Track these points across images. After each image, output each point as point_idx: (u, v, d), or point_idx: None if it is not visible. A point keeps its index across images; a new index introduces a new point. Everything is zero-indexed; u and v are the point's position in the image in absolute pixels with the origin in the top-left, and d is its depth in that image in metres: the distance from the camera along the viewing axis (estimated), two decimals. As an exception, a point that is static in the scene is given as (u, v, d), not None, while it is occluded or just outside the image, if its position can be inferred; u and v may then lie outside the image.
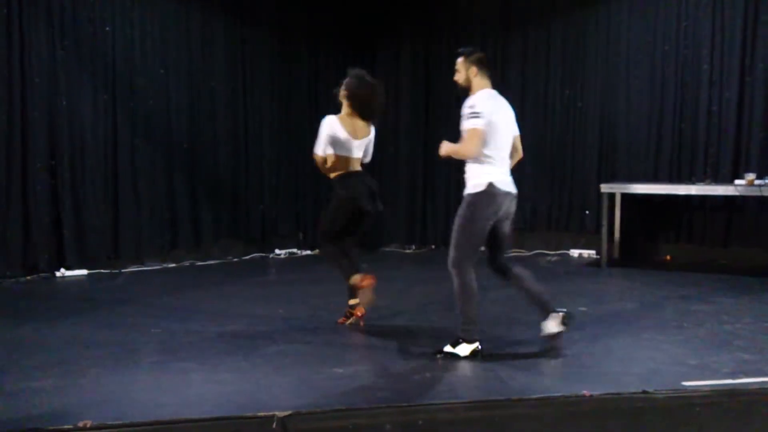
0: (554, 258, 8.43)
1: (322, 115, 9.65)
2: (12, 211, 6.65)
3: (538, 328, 4.88)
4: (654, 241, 8.16)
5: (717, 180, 7.46)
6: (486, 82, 4.32)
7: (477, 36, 9.10)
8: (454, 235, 4.23)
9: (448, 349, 4.17)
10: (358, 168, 5.04)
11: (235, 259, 8.34)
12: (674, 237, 8.03)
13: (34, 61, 6.74)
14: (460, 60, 4.33)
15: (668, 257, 7.98)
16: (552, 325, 4.24)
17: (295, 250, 8.87)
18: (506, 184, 4.25)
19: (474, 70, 4.28)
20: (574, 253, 8.50)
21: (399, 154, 9.48)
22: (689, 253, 7.86)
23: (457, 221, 4.22)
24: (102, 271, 7.22)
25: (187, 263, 7.91)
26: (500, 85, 9.13)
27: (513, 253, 8.67)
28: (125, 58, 7.42)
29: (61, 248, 6.99)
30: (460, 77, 4.34)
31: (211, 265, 8.01)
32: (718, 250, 7.73)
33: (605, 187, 7.60)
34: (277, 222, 8.82)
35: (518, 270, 4.35)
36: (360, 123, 5.01)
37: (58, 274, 6.94)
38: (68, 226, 7.00)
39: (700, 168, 7.72)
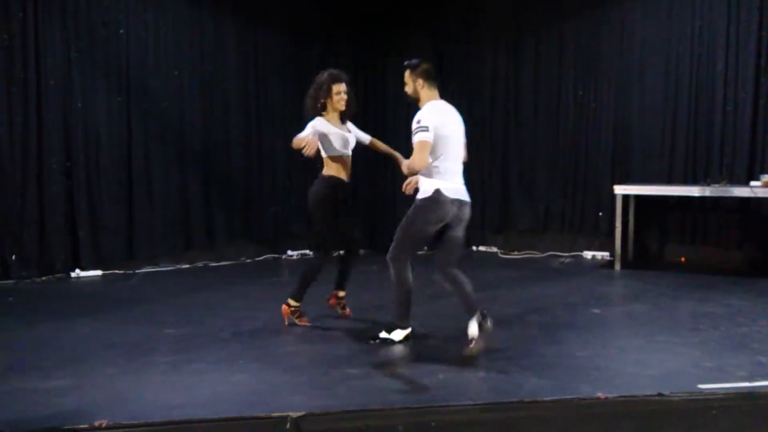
0: (567, 260, 8.39)
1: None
2: (28, 213, 6.72)
3: (550, 330, 4.88)
4: (668, 242, 8.11)
5: (732, 181, 7.40)
6: (433, 93, 4.41)
7: (489, 37, 9.10)
8: (397, 233, 4.42)
9: (383, 335, 4.50)
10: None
11: (248, 260, 8.38)
12: (689, 239, 7.97)
13: (49, 64, 6.81)
14: (406, 73, 4.40)
15: (683, 259, 7.93)
16: (474, 328, 4.22)
17: (307, 252, 8.89)
18: (455, 192, 4.32)
19: (420, 82, 4.36)
20: (588, 254, 8.46)
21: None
22: (704, 255, 7.80)
23: (402, 221, 4.42)
24: (116, 271, 7.27)
25: (200, 264, 7.95)
26: (512, 86, 9.20)
27: (526, 254, 8.68)
28: (139, 61, 7.47)
29: (76, 249, 7.05)
30: (408, 89, 4.43)
31: (224, 266, 8.04)
32: (734, 251, 7.67)
33: (619, 189, 7.55)
34: (290, 223, 8.84)
35: (461, 276, 4.34)
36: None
37: (73, 274, 7.00)
38: (83, 227, 7.07)
39: (715, 169, 7.65)
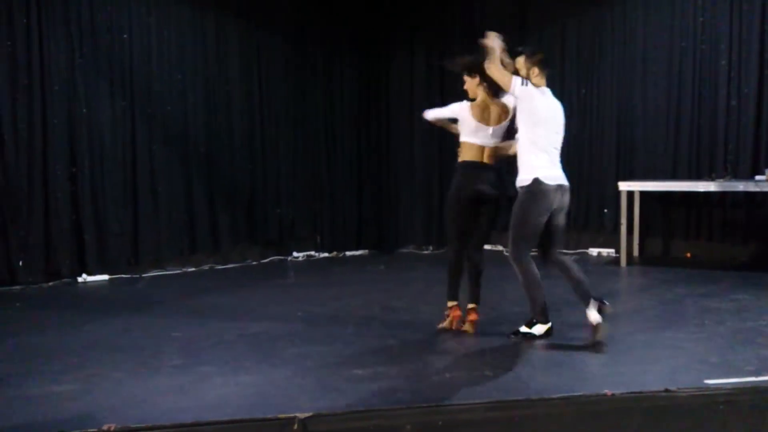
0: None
1: (338, 118, 9.72)
2: (34, 218, 6.75)
3: (557, 328, 4.88)
4: (673, 238, 8.09)
5: (736, 176, 7.39)
6: (542, 81, 4.53)
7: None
8: (510, 231, 4.50)
9: (523, 329, 4.55)
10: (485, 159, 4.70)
11: (254, 263, 8.39)
12: (694, 234, 7.96)
13: (53, 70, 6.83)
14: (521, 59, 4.52)
15: (688, 255, 7.91)
16: (594, 314, 4.33)
17: (312, 253, 8.91)
18: (554, 178, 4.46)
19: (535, 70, 4.49)
20: (593, 251, 8.46)
21: (414, 156, 9.48)
22: (709, 251, 7.79)
23: (512, 218, 4.48)
24: (123, 276, 7.30)
25: (206, 267, 7.97)
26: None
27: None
28: (143, 65, 7.50)
29: (82, 254, 7.08)
30: (522, 74, 4.52)
31: (230, 268, 8.06)
32: (739, 246, 7.66)
33: (623, 185, 7.55)
34: (294, 225, 8.86)
35: (569, 263, 4.56)
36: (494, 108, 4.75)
37: (79, 279, 7.03)
38: (89, 232, 7.09)
39: (720, 164, 7.64)
